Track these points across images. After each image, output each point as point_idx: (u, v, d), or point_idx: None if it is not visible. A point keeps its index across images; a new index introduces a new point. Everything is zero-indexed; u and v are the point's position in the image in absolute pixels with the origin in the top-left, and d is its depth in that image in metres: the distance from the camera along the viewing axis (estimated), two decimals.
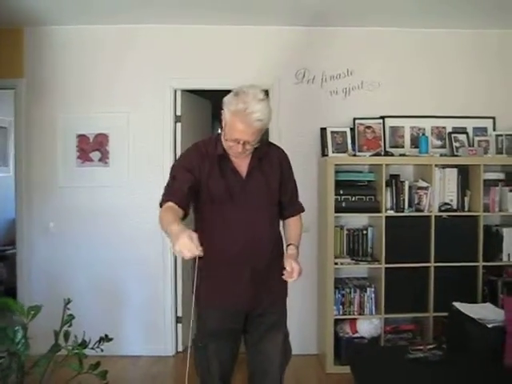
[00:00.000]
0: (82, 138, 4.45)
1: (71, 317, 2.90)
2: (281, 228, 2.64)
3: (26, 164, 4.50)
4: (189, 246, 1.96)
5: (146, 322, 4.52)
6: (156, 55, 4.46)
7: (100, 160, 4.46)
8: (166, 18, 4.29)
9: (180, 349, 4.64)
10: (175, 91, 4.50)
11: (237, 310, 2.49)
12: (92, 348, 2.83)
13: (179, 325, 4.63)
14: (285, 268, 2.36)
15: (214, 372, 2.52)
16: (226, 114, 2.27)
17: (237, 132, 2.25)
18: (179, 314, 4.62)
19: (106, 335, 2.96)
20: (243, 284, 2.44)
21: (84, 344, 2.84)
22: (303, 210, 2.67)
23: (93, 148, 4.45)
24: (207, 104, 5.17)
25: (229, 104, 2.25)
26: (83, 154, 4.45)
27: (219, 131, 2.55)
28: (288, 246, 2.51)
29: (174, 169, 2.45)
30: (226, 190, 2.39)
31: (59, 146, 4.48)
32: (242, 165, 2.43)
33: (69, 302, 2.93)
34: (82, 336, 2.81)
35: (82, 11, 4.13)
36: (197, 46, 4.46)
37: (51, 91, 4.49)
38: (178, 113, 4.52)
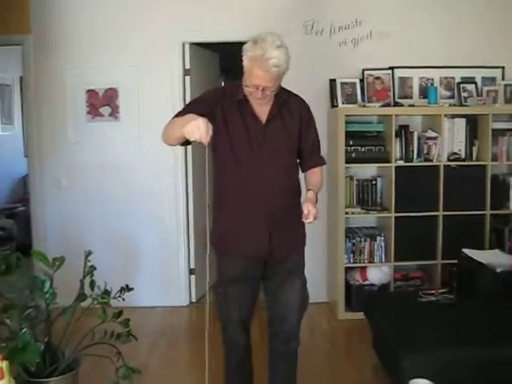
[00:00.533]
0: (91, 93, 4.46)
1: (93, 268, 2.99)
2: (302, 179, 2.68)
3: (36, 121, 4.52)
4: (202, 128, 2.04)
5: (160, 274, 4.63)
6: (164, 9, 4.42)
7: (110, 115, 4.48)
8: None
9: (194, 299, 4.77)
10: (183, 44, 4.49)
11: (254, 256, 2.56)
12: (114, 297, 2.93)
13: (192, 276, 4.74)
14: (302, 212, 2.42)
15: (233, 316, 2.62)
16: (245, 61, 2.30)
17: (255, 78, 2.28)
18: (192, 265, 4.73)
19: (127, 285, 3.05)
20: (260, 231, 2.50)
21: (108, 293, 2.94)
22: (324, 163, 2.70)
23: (103, 103, 4.47)
24: (215, 57, 5.15)
25: (247, 51, 2.28)
26: (93, 110, 4.47)
27: (222, 84, 2.58)
28: (307, 190, 2.56)
29: (190, 101, 2.51)
30: (246, 134, 2.42)
31: (69, 101, 4.49)
32: (263, 111, 2.46)
33: (90, 253, 3.02)
34: (102, 287, 2.91)
35: None
36: None
37: (59, 47, 4.47)
38: (187, 66, 4.52)
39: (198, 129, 2.04)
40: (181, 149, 4.53)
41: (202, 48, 4.78)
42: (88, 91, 4.46)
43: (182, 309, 4.63)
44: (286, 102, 2.50)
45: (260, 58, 2.22)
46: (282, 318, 2.67)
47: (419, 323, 2.92)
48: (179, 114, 2.37)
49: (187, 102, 4.47)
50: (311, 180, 2.60)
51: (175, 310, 4.59)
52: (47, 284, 2.73)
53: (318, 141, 2.67)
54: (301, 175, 2.64)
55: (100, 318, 2.84)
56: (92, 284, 2.87)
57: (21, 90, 7.08)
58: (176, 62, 4.47)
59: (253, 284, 2.63)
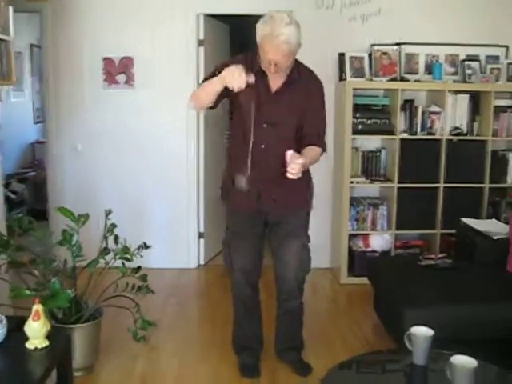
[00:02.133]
0: (107, 60, 4.60)
1: (113, 225, 3.19)
2: None
3: (53, 87, 4.66)
4: (238, 71, 2.37)
5: (170, 237, 4.83)
6: None
7: (126, 82, 4.63)
8: None
9: (202, 262, 4.98)
10: (198, 16, 4.61)
11: (255, 214, 2.80)
12: (133, 254, 3.13)
13: (201, 240, 4.94)
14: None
15: (235, 265, 2.87)
16: (258, 39, 2.47)
17: (267, 53, 2.45)
18: (201, 229, 4.93)
19: (145, 243, 3.26)
20: (260, 191, 2.73)
21: (127, 249, 3.14)
22: (325, 149, 2.78)
23: (118, 71, 4.61)
24: (226, 28, 5.27)
25: (258, 29, 2.45)
26: (109, 77, 4.61)
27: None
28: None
29: (218, 65, 2.68)
30: (256, 100, 2.58)
31: (85, 68, 4.63)
32: (274, 84, 2.65)
33: (110, 212, 3.22)
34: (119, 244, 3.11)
35: None
36: None
37: (76, 14, 4.59)
38: (201, 37, 4.65)
39: (237, 73, 2.35)
40: (193, 115, 4.70)
41: (215, 19, 4.91)
42: (104, 59, 4.59)
43: (190, 271, 4.85)
44: (298, 79, 2.64)
45: (269, 35, 2.38)
46: (282, 278, 2.91)
47: (419, 283, 3.13)
48: (207, 78, 2.59)
49: (201, 72, 4.64)
50: (306, 152, 2.63)
51: (184, 271, 4.80)
52: (75, 237, 2.93)
53: (324, 124, 2.78)
54: None
55: (121, 272, 3.06)
56: (116, 239, 3.07)
57: (31, 57, 7.20)
58: (190, 32, 4.60)
59: (252, 239, 2.85)
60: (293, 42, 2.41)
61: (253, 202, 2.74)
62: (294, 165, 2.38)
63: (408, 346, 2.18)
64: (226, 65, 2.55)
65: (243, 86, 2.38)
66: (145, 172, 4.77)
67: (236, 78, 2.36)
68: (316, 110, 2.75)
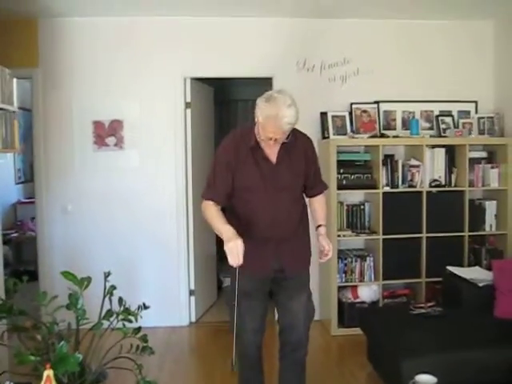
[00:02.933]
0: (97, 124, 4.74)
1: (113, 287, 3.23)
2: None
3: (44, 149, 4.76)
4: (235, 252, 2.52)
5: (162, 295, 4.86)
6: (166, 45, 4.77)
7: (115, 145, 4.76)
8: (174, 11, 4.58)
9: (193, 319, 5.01)
10: (185, 79, 4.82)
11: (264, 276, 2.88)
12: (136, 315, 3.17)
13: (192, 297, 4.99)
14: (321, 250, 2.85)
15: (246, 326, 2.92)
16: (260, 117, 2.60)
17: (269, 132, 2.60)
18: (192, 287, 4.98)
19: (144, 303, 3.29)
20: (270, 255, 2.84)
21: (128, 310, 3.19)
22: (327, 188, 3.07)
23: (108, 133, 4.75)
24: (211, 90, 5.48)
25: (261, 109, 2.58)
26: (99, 139, 4.74)
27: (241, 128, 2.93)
28: (318, 227, 2.92)
29: (215, 163, 2.81)
30: (260, 175, 2.75)
31: (76, 131, 4.76)
32: (272, 153, 2.79)
33: (109, 274, 3.25)
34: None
35: (93, 2, 4.36)
36: (204, 37, 4.78)
37: (66, 79, 4.75)
38: (188, 99, 4.84)
39: (233, 253, 2.53)
40: (181, 177, 4.85)
41: (200, 82, 5.12)
42: (94, 122, 4.73)
43: (182, 328, 4.87)
44: (294, 143, 2.81)
45: (274, 117, 2.52)
46: (291, 328, 2.98)
47: (413, 332, 3.24)
48: (209, 190, 2.80)
49: (188, 133, 4.81)
50: (319, 213, 2.96)
51: (176, 329, 4.82)
52: (80, 301, 2.97)
53: (319, 170, 3.03)
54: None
55: (124, 333, 3.09)
56: (121, 301, 3.11)
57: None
58: (178, 95, 4.80)
59: (262, 298, 2.94)
60: (293, 122, 2.58)
61: (269, 265, 2.85)
62: (331, 252, 2.83)
63: None
64: (226, 152, 2.75)
65: (240, 264, 2.55)
66: (135, 232, 4.84)
67: (236, 258, 2.52)
68: (314, 163, 2.95)
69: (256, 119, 2.66)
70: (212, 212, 2.74)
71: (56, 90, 4.74)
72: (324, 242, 2.81)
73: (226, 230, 2.60)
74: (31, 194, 6.72)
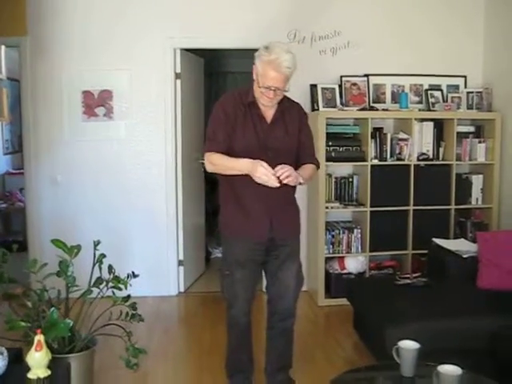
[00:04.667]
0: (86, 93, 4.71)
1: (103, 255, 3.27)
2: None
3: (32, 120, 4.73)
4: (268, 174, 2.52)
5: (151, 265, 4.89)
6: (157, 15, 4.72)
7: (105, 115, 4.74)
8: None
9: (182, 289, 5.07)
10: (175, 50, 4.79)
11: (256, 241, 2.88)
12: (126, 283, 3.21)
13: (181, 267, 5.04)
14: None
15: (239, 295, 2.95)
16: (259, 65, 2.65)
17: (269, 79, 2.63)
18: (181, 257, 5.03)
19: (133, 272, 3.34)
20: (262, 218, 2.84)
21: (118, 278, 3.22)
22: (319, 165, 3.02)
23: (98, 104, 4.72)
24: (201, 62, 5.46)
25: (261, 56, 2.63)
26: (89, 110, 4.72)
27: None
28: None
29: (214, 118, 2.82)
30: (254, 132, 2.77)
31: (65, 101, 4.73)
32: (268, 114, 2.82)
33: (98, 243, 3.29)
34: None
35: None
36: (194, 8, 4.73)
37: (55, 48, 4.70)
38: (178, 70, 4.82)
39: (263, 173, 2.53)
40: (171, 148, 4.84)
41: (190, 53, 5.09)
42: (84, 92, 4.71)
43: (171, 298, 4.94)
44: (288, 107, 2.86)
45: (274, 60, 2.58)
46: (280, 297, 3.02)
47: (398, 301, 3.31)
48: (212, 144, 2.77)
49: (178, 104, 4.80)
50: (302, 169, 2.83)
51: (165, 298, 4.88)
52: (70, 268, 3.01)
53: (313, 143, 3.02)
54: None
55: (114, 301, 3.13)
56: (110, 268, 3.15)
57: None
58: (168, 66, 4.77)
59: (255, 267, 2.96)
60: (292, 68, 2.63)
61: (265, 230, 2.85)
62: (283, 170, 2.57)
63: (396, 360, 2.34)
64: (224, 107, 2.76)
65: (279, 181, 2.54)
66: (124, 202, 4.86)
67: (271, 178, 2.52)
68: (307, 134, 2.96)
69: (254, 74, 2.69)
70: (220, 158, 2.74)
71: (44, 58, 4.68)
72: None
73: (244, 163, 2.64)
74: (19, 165, 6.71)
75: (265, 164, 2.54)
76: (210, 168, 2.81)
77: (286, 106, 2.85)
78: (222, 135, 2.75)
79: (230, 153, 2.80)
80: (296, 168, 2.83)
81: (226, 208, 2.96)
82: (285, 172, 2.55)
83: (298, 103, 2.97)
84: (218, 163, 2.75)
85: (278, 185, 2.53)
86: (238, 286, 2.94)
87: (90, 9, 4.68)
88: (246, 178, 2.72)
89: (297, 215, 3.02)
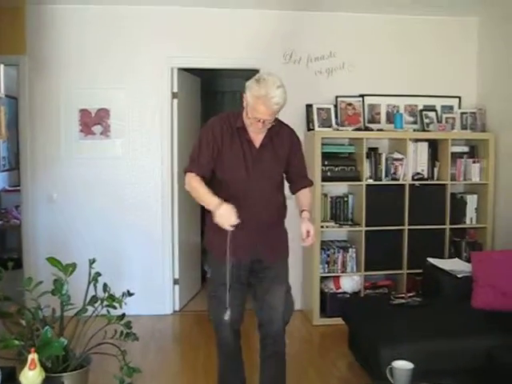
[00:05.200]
0: (84, 112, 4.75)
1: (98, 274, 3.27)
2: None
3: (29, 137, 4.75)
4: (228, 213, 2.58)
5: (146, 284, 4.88)
6: (153, 35, 4.78)
7: (102, 133, 4.77)
8: (161, 0, 4.62)
9: (177, 308, 5.05)
10: (172, 69, 4.83)
11: (241, 263, 2.86)
12: (121, 301, 3.21)
13: (176, 286, 5.03)
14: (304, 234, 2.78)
15: (225, 317, 2.88)
16: (249, 98, 2.66)
17: (258, 113, 2.66)
18: (176, 276, 5.02)
19: (128, 290, 3.33)
20: (249, 241, 2.84)
21: (113, 296, 3.22)
22: (312, 184, 3.07)
23: (94, 122, 4.75)
24: (198, 81, 5.50)
25: (252, 89, 2.65)
26: (85, 128, 4.75)
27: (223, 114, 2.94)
28: (302, 211, 2.91)
29: (200, 140, 2.84)
30: (242, 156, 2.79)
31: (62, 120, 4.75)
32: (257, 139, 2.84)
33: (94, 261, 3.29)
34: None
35: None
36: (192, 28, 4.80)
37: (53, 67, 4.74)
38: (175, 90, 4.86)
39: (224, 218, 2.59)
40: (167, 167, 4.87)
41: (187, 72, 5.13)
42: (81, 110, 4.74)
43: (166, 317, 4.92)
44: (278, 132, 2.87)
45: (264, 96, 2.60)
46: (269, 321, 3.00)
47: (393, 321, 3.32)
48: (193, 165, 2.81)
49: (175, 122, 4.84)
50: (303, 200, 2.95)
51: (160, 317, 4.86)
52: (65, 287, 3.00)
53: (305, 164, 3.06)
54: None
55: (108, 320, 3.12)
56: (105, 287, 3.15)
57: None
58: (165, 85, 4.81)
59: (240, 289, 2.94)
60: (282, 103, 2.65)
61: (248, 253, 2.86)
62: (311, 237, 2.77)
63: (390, 380, 2.34)
64: (211, 131, 2.78)
65: (236, 222, 2.59)
66: (120, 221, 4.86)
67: (230, 219, 2.57)
68: (299, 157, 2.98)
69: (245, 102, 2.72)
70: (196, 184, 2.76)
71: (43, 77, 4.72)
72: (303, 225, 2.77)
73: (212, 199, 2.66)
74: (16, 182, 6.71)
75: (229, 205, 2.59)
76: (187, 188, 2.84)
77: (276, 130, 2.85)
78: (206, 159, 2.78)
79: (217, 174, 2.83)
80: (290, 191, 3.01)
81: (211, 230, 2.93)
82: (311, 236, 2.77)
83: (289, 127, 2.97)
84: (194, 187, 2.78)
85: (231, 229, 2.59)
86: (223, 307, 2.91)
87: (87, 28, 4.74)
88: (234, 201, 2.73)
89: (284, 238, 3.02)
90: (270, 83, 2.61)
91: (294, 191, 3.02)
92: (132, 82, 4.78)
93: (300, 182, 3.01)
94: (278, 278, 2.97)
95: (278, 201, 2.94)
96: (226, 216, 2.57)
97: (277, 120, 2.84)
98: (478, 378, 2.88)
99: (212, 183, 2.86)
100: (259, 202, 2.82)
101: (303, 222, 2.81)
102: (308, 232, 2.76)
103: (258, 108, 2.63)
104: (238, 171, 2.78)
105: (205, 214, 3.00)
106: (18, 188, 5.40)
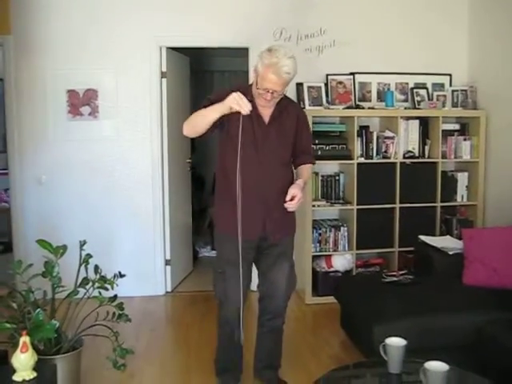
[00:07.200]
0: (71, 93, 4.68)
1: (89, 256, 3.25)
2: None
3: (17, 119, 4.68)
4: (237, 99, 2.54)
5: (138, 265, 4.87)
6: (142, 13, 4.69)
7: (90, 114, 4.71)
8: None
9: (169, 289, 5.05)
10: (160, 48, 4.76)
11: (249, 239, 2.85)
12: (112, 283, 3.20)
13: (168, 267, 5.02)
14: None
15: (230, 294, 2.93)
16: (260, 67, 2.65)
17: (268, 82, 2.64)
18: (168, 257, 5.01)
19: (120, 272, 3.33)
20: (256, 217, 2.84)
21: (104, 278, 3.21)
22: (314, 162, 3.07)
23: (83, 103, 4.69)
24: (187, 60, 5.44)
25: (263, 58, 2.64)
26: (74, 109, 4.68)
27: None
28: (296, 179, 2.91)
29: (206, 100, 2.80)
30: (251, 131, 2.78)
31: (49, 101, 4.68)
32: (266, 114, 2.83)
33: (84, 243, 3.27)
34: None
35: None
36: (180, 6, 4.71)
37: (39, 47, 4.65)
38: (164, 69, 4.80)
39: (238, 100, 2.53)
40: (157, 147, 4.82)
41: (176, 52, 5.06)
42: (68, 91, 4.67)
43: (158, 298, 4.92)
44: (286, 107, 2.87)
45: (275, 65, 2.58)
46: (270, 297, 3.03)
47: (385, 299, 3.32)
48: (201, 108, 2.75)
49: (164, 102, 4.79)
50: (302, 173, 2.96)
51: (152, 298, 4.86)
52: (55, 269, 2.98)
53: (310, 142, 3.08)
54: None
55: (100, 302, 3.11)
56: (96, 269, 3.14)
57: None
58: (154, 65, 4.74)
59: (246, 267, 2.92)
60: (292, 73, 2.63)
61: (257, 230, 2.86)
62: (296, 199, 2.69)
63: (383, 357, 2.35)
64: (220, 95, 2.70)
65: (250, 109, 2.55)
66: (110, 202, 4.83)
67: (244, 103, 2.53)
68: (306, 133, 2.99)
69: (255, 73, 2.71)
70: (196, 112, 2.77)
71: (29, 57, 4.64)
72: (290, 189, 2.73)
73: (217, 104, 2.64)
74: (4, 165, 6.63)
75: (236, 93, 2.56)
76: (185, 129, 2.82)
77: (284, 104, 2.86)
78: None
79: (223, 148, 2.84)
80: (294, 164, 2.99)
81: (219, 205, 2.97)
82: (296, 199, 2.69)
83: (296, 103, 3.01)
84: (195, 114, 2.76)
85: (249, 112, 2.56)
86: (230, 284, 2.92)
87: (74, 7, 4.64)
88: (243, 177, 2.72)
89: (292, 215, 3.00)
90: (282, 53, 2.61)
91: (296, 165, 3.02)
92: (120, 61, 4.71)
93: (303, 158, 3.00)
94: (283, 255, 3.00)
95: (286, 177, 2.92)
96: (238, 98, 2.54)
97: (285, 96, 2.83)
98: (470, 354, 2.90)
99: (219, 158, 2.91)
100: (267, 177, 2.82)
101: (293, 186, 2.77)
102: (293, 197, 2.71)
103: (269, 76, 2.62)
104: (246, 146, 2.73)
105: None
106: (6, 171, 5.33)
